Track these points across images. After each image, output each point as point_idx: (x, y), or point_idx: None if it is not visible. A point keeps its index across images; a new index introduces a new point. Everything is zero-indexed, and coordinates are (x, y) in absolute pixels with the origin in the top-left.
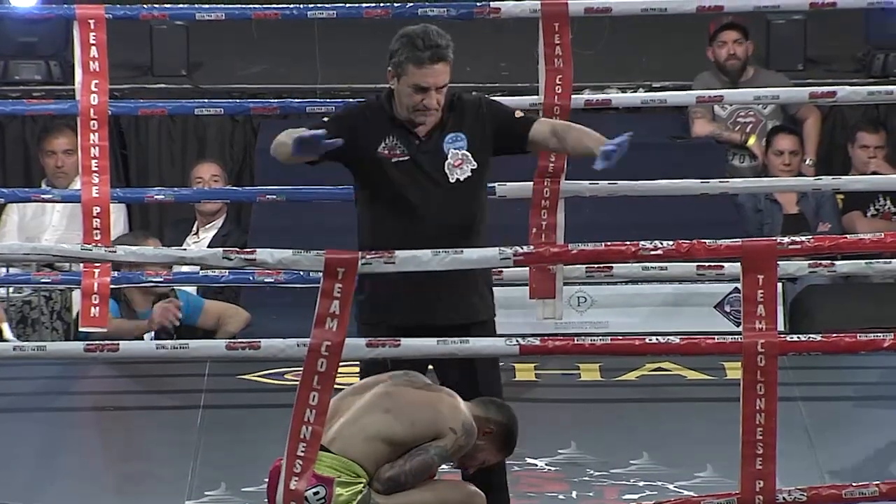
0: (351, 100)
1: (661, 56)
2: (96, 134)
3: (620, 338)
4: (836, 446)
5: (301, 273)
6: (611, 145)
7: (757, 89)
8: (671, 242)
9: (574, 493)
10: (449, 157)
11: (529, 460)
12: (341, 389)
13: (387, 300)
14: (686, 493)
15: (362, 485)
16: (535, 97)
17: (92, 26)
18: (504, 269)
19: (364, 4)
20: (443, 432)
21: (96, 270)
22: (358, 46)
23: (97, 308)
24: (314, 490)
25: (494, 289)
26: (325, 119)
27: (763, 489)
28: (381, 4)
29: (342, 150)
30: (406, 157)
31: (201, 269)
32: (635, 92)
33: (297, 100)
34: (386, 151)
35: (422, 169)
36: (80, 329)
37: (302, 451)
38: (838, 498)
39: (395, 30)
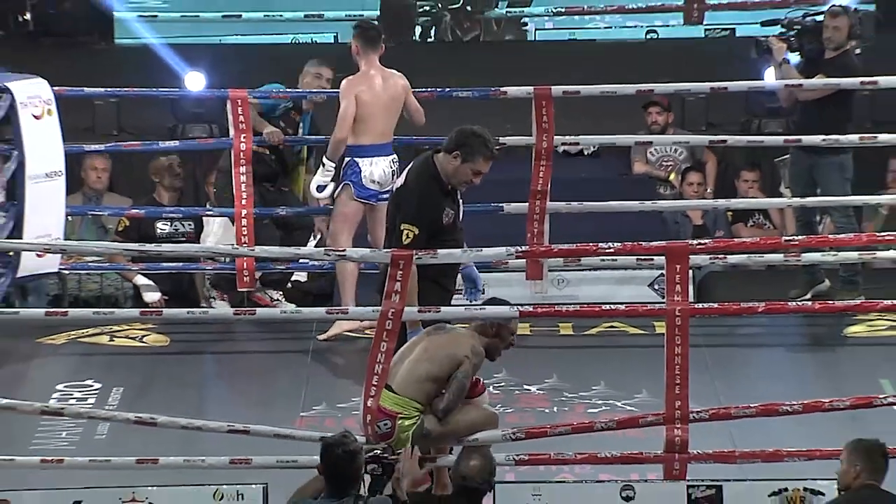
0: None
1: (612, 120)
2: (244, 167)
3: (586, 306)
4: (728, 379)
5: (375, 264)
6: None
7: (674, 136)
8: (619, 243)
9: (555, 409)
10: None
11: (525, 387)
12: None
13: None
14: (629, 408)
15: (417, 416)
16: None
17: (239, 102)
18: (509, 261)
19: (418, 89)
20: (461, 361)
21: (245, 261)
22: None
23: (247, 278)
24: (383, 422)
25: (504, 274)
26: (413, 228)
27: (680, 408)
28: (428, 89)
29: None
30: (453, 214)
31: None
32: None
33: None
34: (446, 219)
35: (457, 216)
36: (238, 290)
37: (375, 382)
38: (728, 415)
39: (438, 105)
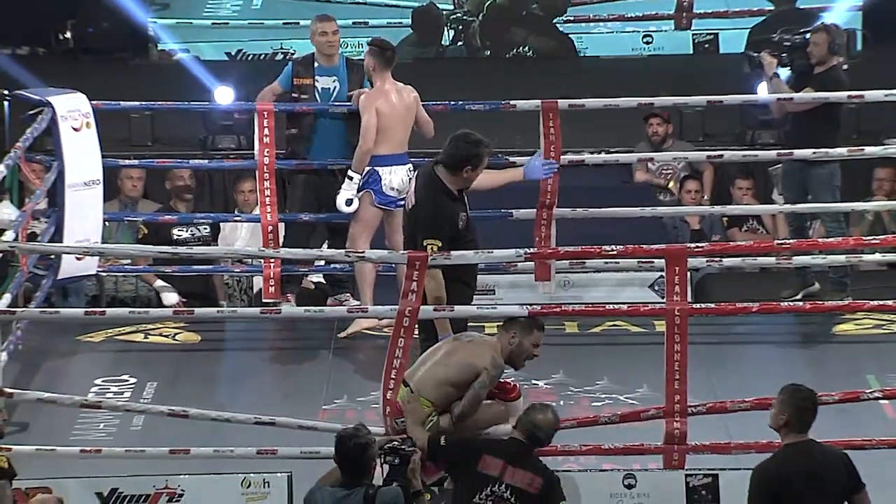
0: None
1: (615, 131)
2: (268, 181)
3: (591, 306)
4: (724, 375)
5: (392, 265)
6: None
7: (675, 152)
8: (622, 246)
9: (561, 402)
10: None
11: (533, 381)
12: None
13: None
14: (631, 402)
15: (433, 414)
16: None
17: (265, 115)
18: (518, 263)
19: (431, 102)
20: (479, 372)
21: (272, 264)
22: None
23: (273, 288)
24: (400, 419)
25: (514, 276)
26: (436, 241)
27: (679, 402)
28: (441, 102)
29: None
30: (465, 216)
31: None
32: (599, 154)
33: None
34: (461, 223)
35: (468, 217)
36: (263, 300)
37: (393, 376)
38: (724, 409)
39: (451, 117)
